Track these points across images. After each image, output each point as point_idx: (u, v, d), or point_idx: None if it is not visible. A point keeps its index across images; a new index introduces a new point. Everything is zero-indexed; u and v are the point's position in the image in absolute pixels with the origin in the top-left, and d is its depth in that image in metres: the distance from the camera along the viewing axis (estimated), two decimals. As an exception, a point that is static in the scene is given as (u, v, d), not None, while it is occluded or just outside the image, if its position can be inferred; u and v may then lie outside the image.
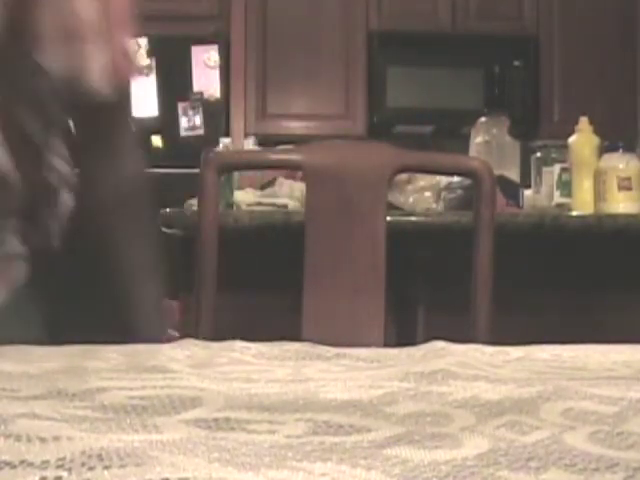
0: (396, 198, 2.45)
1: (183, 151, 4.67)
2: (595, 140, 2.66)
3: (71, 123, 1.36)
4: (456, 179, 2.54)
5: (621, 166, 2.55)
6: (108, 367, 0.92)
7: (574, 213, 2.58)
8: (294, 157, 1.88)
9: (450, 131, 4.82)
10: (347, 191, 1.85)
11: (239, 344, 1.09)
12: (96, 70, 1.24)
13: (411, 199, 2.55)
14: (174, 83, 4.75)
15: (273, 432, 0.65)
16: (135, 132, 1.51)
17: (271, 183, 2.62)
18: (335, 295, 1.84)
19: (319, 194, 1.84)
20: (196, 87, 4.76)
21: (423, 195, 2.56)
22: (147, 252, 1.46)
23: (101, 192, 1.40)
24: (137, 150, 1.48)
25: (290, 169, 2.42)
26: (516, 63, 5.01)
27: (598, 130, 2.68)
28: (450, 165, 1.93)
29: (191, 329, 1.86)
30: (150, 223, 1.51)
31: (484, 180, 1.82)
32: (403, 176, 2.46)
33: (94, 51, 1.24)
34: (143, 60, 4.72)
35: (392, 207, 2.03)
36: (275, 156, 1.99)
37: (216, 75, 4.78)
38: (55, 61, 1.22)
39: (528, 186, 2.85)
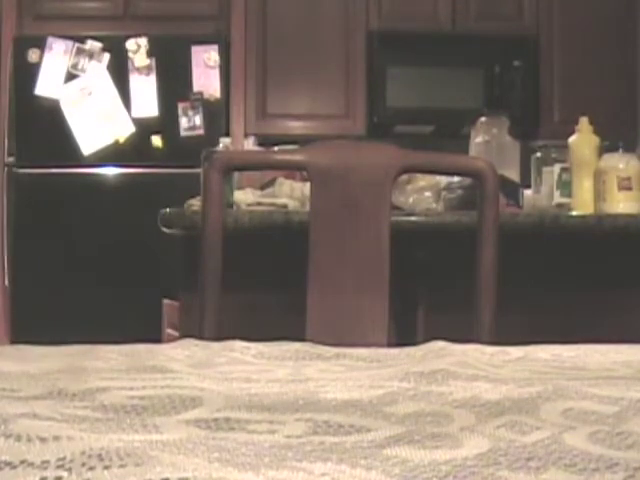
0: (396, 198, 2.45)
1: (183, 151, 4.67)
2: (595, 140, 2.66)
3: None
4: (456, 179, 2.54)
5: (621, 166, 2.55)
6: (108, 367, 0.92)
7: (574, 213, 2.58)
8: (299, 158, 1.88)
9: (450, 131, 4.82)
10: (352, 191, 1.85)
11: (239, 344, 1.09)
12: None
13: (411, 199, 2.55)
14: (174, 83, 4.75)
15: (273, 432, 0.65)
16: None
17: (271, 183, 2.61)
18: (339, 294, 1.84)
19: (324, 194, 1.85)
20: (196, 87, 4.76)
21: (423, 195, 2.56)
22: None
23: None
24: None
25: (295, 170, 2.42)
26: (516, 63, 5.01)
27: (598, 130, 2.68)
28: (454, 165, 1.93)
29: (192, 329, 1.86)
30: None
31: (488, 180, 1.82)
32: (403, 176, 2.46)
33: None
34: (144, 61, 4.72)
35: (392, 207, 2.03)
36: (280, 157, 1.99)
37: (216, 75, 4.78)
38: None
39: (528, 186, 2.85)
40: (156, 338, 3.05)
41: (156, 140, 4.74)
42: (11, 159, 4.73)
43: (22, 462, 0.52)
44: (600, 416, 0.70)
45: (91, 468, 0.52)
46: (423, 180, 2.57)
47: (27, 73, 4.69)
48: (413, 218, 2.39)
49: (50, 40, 4.71)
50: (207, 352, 1.04)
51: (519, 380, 0.86)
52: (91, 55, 4.73)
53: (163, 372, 0.87)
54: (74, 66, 4.72)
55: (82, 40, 4.73)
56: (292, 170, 2.48)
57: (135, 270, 4.66)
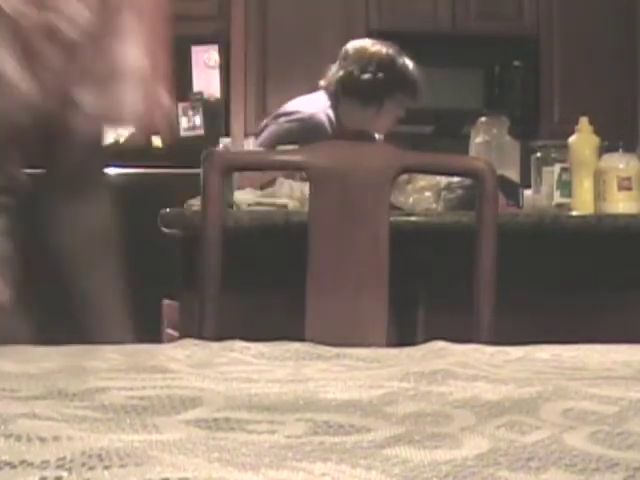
0: (396, 198, 2.45)
1: (183, 151, 4.66)
2: (595, 140, 2.66)
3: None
4: (456, 179, 2.54)
5: (621, 166, 2.55)
6: (108, 367, 0.92)
7: (574, 213, 2.58)
8: (298, 158, 1.88)
9: (450, 131, 4.82)
10: (350, 192, 1.85)
11: (239, 344, 1.09)
12: (127, 111, 1.25)
13: (411, 199, 2.55)
14: (174, 83, 4.75)
15: (273, 432, 0.65)
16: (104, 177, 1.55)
17: (271, 183, 2.61)
18: (338, 295, 1.84)
19: (322, 195, 1.85)
20: (196, 87, 4.76)
21: (423, 195, 2.56)
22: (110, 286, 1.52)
23: (69, 235, 1.43)
24: (105, 197, 1.52)
25: (294, 170, 2.42)
26: (516, 63, 5.01)
27: (598, 130, 2.68)
28: (453, 165, 1.93)
29: (192, 329, 1.86)
30: (115, 262, 1.59)
31: (487, 180, 1.82)
32: (403, 176, 2.46)
33: (130, 93, 1.23)
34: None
35: (392, 207, 2.04)
36: (279, 157, 1.99)
37: (216, 75, 4.78)
38: (89, 95, 1.21)
39: (528, 186, 2.85)
40: (156, 338, 3.04)
41: (156, 140, 4.74)
42: (11, 159, 4.72)
43: (22, 462, 0.52)
44: (600, 416, 0.70)
45: (91, 468, 0.52)
46: (423, 180, 2.57)
47: (27, 73, 4.69)
48: (413, 218, 2.39)
49: (50, 40, 4.71)
50: (207, 352, 1.04)
51: (519, 380, 0.86)
52: (91, 55, 4.73)
53: (163, 372, 0.87)
54: (74, 66, 4.72)
55: (82, 40, 4.73)
56: (291, 170, 2.48)
57: (135, 270, 4.65)
